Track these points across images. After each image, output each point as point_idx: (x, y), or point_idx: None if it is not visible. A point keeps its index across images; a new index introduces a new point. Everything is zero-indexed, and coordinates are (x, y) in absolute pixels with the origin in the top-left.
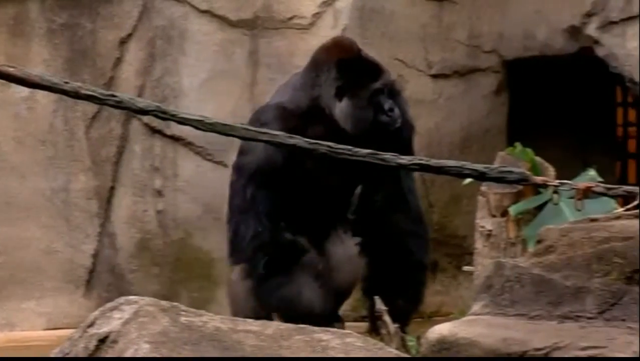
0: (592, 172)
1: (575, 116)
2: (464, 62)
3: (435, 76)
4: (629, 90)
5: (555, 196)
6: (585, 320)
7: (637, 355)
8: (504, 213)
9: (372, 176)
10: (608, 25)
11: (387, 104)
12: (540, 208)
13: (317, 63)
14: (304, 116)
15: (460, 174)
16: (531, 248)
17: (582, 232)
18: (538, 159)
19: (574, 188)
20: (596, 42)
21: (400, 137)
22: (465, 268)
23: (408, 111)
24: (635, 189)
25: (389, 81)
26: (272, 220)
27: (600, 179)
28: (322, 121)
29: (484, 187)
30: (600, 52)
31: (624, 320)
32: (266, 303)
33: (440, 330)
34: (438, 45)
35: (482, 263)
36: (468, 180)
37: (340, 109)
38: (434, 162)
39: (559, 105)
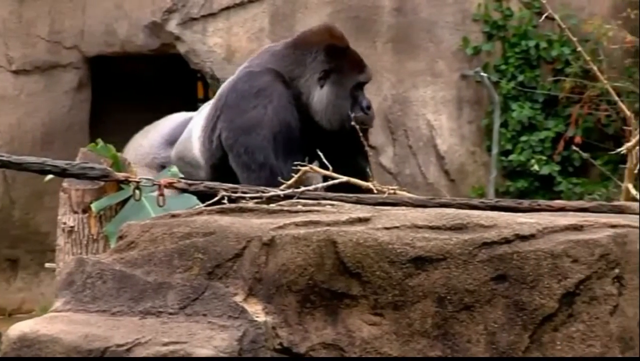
0: (173, 168)
1: (158, 112)
2: (45, 58)
3: (16, 72)
4: (210, 86)
5: (137, 192)
6: (167, 315)
7: (218, 350)
8: (86, 209)
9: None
10: (189, 21)
11: (365, 101)
12: (122, 204)
13: (305, 43)
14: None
15: (41, 170)
16: (113, 244)
17: (164, 228)
18: (120, 155)
19: (156, 184)
20: (177, 38)
21: (361, 135)
22: (48, 264)
23: None
24: (216, 184)
25: (371, 76)
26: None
27: (182, 175)
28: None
29: (65, 183)
30: (181, 48)
31: (205, 315)
32: None
33: (21, 327)
34: (19, 41)
35: (64, 260)
36: (49, 176)
37: (320, 96)
38: (14, 158)
39: (143, 101)
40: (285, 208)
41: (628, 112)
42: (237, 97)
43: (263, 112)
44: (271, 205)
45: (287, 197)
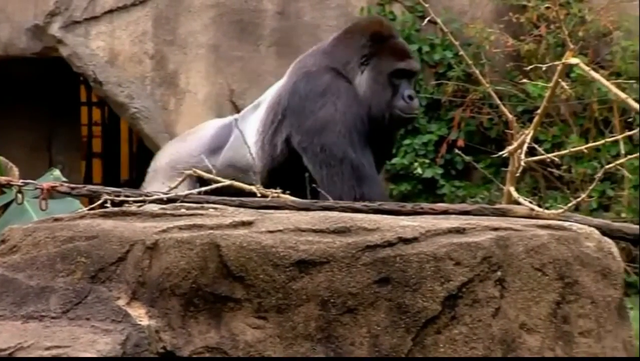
0: (56, 172)
1: (41, 116)
2: None
3: None
4: (93, 89)
5: (19, 195)
6: (49, 319)
7: (101, 354)
8: None
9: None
10: (72, 25)
11: (408, 90)
12: (4, 207)
13: (355, 30)
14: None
15: None
16: None
17: (47, 231)
18: (2, 158)
19: (38, 188)
20: (60, 41)
21: (401, 127)
22: None
23: None
24: (99, 188)
25: (414, 66)
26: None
27: (64, 178)
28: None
29: None
30: (64, 51)
31: (88, 319)
32: None
33: None
34: None
35: None
36: None
37: (360, 81)
38: None
39: (25, 105)
40: (169, 212)
41: (510, 116)
42: (301, 99)
43: (333, 110)
44: (154, 209)
45: (170, 200)
